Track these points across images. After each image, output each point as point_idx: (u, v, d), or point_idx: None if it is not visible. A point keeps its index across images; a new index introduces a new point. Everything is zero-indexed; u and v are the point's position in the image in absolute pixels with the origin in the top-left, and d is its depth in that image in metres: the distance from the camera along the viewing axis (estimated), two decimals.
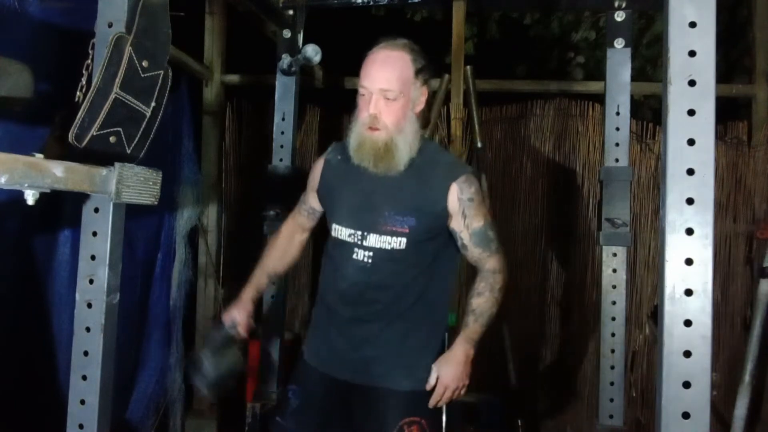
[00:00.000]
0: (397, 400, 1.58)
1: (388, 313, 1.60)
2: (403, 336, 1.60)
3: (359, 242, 1.59)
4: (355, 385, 1.63)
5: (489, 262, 1.61)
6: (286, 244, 1.86)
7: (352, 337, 1.63)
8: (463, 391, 1.58)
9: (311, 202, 1.79)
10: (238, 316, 1.73)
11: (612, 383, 2.13)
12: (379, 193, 1.58)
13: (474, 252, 1.61)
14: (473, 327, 1.58)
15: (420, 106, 1.60)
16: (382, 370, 1.60)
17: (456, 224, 1.59)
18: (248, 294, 1.79)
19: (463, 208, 1.57)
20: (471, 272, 1.69)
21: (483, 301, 1.60)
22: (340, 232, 1.63)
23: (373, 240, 1.57)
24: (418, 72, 1.56)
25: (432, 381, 1.56)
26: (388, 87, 1.51)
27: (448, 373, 1.55)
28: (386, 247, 1.56)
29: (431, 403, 1.56)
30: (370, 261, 1.58)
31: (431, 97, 1.67)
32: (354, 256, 1.60)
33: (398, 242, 1.56)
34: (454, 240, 1.62)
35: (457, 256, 1.67)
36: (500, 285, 1.61)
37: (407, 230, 1.55)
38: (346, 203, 1.64)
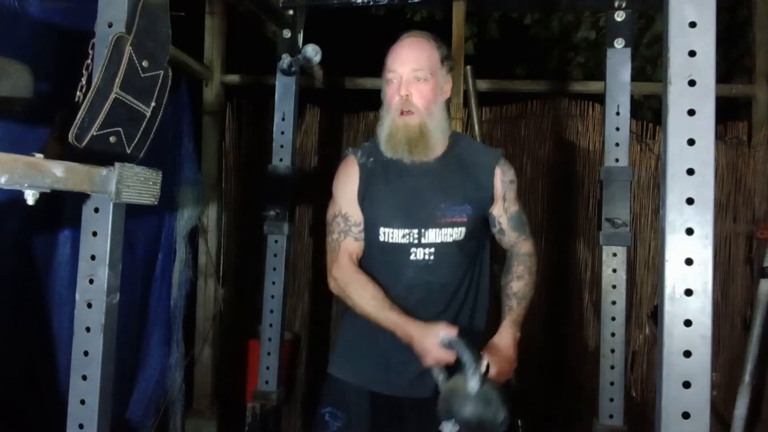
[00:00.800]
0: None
1: (449, 311, 1.58)
2: (466, 331, 1.54)
3: (416, 241, 1.55)
4: (407, 399, 1.59)
5: (524, 246, 1.65)
6: (367, 277, 1.59)
7: (397, 348, 1.52)
8: (514, 367, 1.55)
9: (360, 216, 1.60)
10: (443, 332, 1.44)
11: (612, 383, 2.13)
12: (428, 188, 1.57)
13: (512, 236, 1.64)
14: (517, 310, 1.59)
15: (447, 94, 1.61)
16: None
17: (497, 209, 1.62)
18: (412, 323, 1.49)
19: (505, 191, 1.61)
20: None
21: (523, 284, 1.62)
22: (391, 235, 1.56)
23: (433, 235, 1.55)
24: (443, 59, 1.58)
25: (482, 368, 1.44)
26: (419, 66, 1.52)
27: (500, 360, 1.47)
28: (448, 240, 1.56)
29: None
30: (432, 258, 1.56)
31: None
32: (412, 257, 1.55)
33: (459, 232, 1.56)
34: (488, 229, 1.65)
35: (489, 240, 1.70)
36: (536, 267, 1.66)
37: (465, 219, 1.56)
38: (394, 204, 1.57)
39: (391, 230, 1.56)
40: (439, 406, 1.39)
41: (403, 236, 1.55)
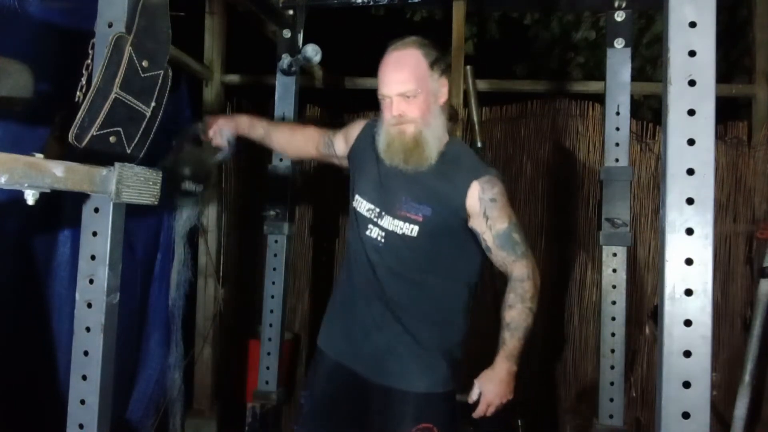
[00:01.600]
0: (410, 405, 1.57)
1: (398, 301, 1.59)
2: (415, 332, 1.58)
3: (375, 219, 1.61)
4: (369, 382, 1.62)
5: (516, 268, 1.56)
6: (297, 133, 1.96)
7: (363, 319, 1.62)
8: (505, 402, 1.57)
9: (337, 142, 1.82)
10: (220, 125, 1.85)
11: (612, 383, 2.13)
12: (400, 178, 1.59)
13: (498, 255, 1.57)
14: (511, 343, 1.54)
15: (443, 97, 1.60)
16: (396, 367, 1.58)
17: (478, 225, 1.56)
18: (243, 119, 1.91)
19: (485, 209, 1.54)
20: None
21: (516, 313, 1.54)
22: (360, 204, 1.65)
23: (387, 222, 1.58)
24: (432, 64, 1.56)
25: (474, 396, 1.54)
26: (405, 89, 1.52)
27: (491, 391, 1.53)
28: (398, 232, 1.57)
29: (475, 415, 1.55)
30: (382, 241, 1.59)
31: (452, 88, 1.68)
32: (368, 232, 1.61)
33: (410, 229, 1.56)
34: (478, 243, 1.59)
35: (482, 260, 1.64)
36: (531, 293, 1.55)
37: (421, 219, 1.55)
38: (370, 178, 1.65)
39: (362, 200, 1.65)
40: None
41: (368, 210, 1.63)
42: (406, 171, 1.57)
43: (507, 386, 1.54)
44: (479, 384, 1.54)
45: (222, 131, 1.85)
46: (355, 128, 1.77)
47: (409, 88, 1.51)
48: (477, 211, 1.55)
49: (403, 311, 1.59)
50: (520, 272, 1.56)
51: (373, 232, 1.60)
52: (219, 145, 1.84)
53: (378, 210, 1.61)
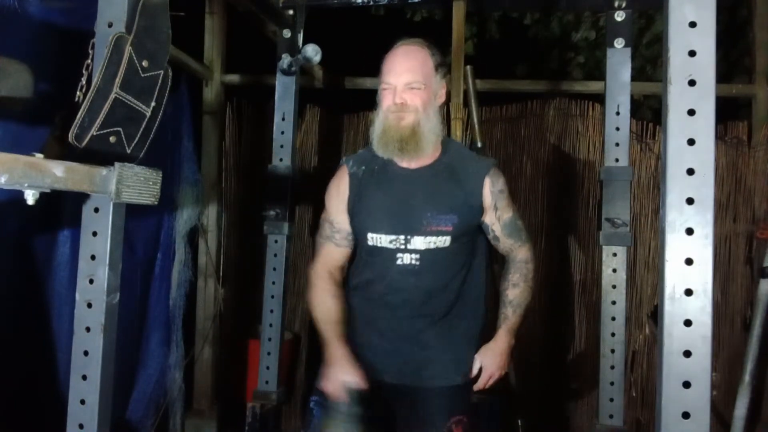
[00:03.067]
0: (444, 399, 1.61)
1: (434, 312, 1.62)
2: (447, 332, 1.63)
3: (403, 246, 1.59)
4: (398, 386, 1.63)
5: (520, 252, 1.67)
6: (335, 289, 1.67)
7: (398, 339, 1.63)
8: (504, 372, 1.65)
9: (345, 224, 1.67)
10: (351, 377, 1.52)
11: (612, 383, 2.13)
12: (416, 196, 1.59)
13: (506, 243, 1.66)
14: (513, 319, 1.64)
15: (441, 99, 1.63)
16: (429, 369, 1.61)
17: (488, 217, 1.64)
18: (341, 350, 1.57)
19: (495, 201, 1.62)
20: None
21: (519, 292, 1.65)
22: (379, 240, 1.61)
23: (419, 242, 1.58)
24: (437, 66, 1.59)
25: (475, 370, 1.62)
26: (413, 79, 1.53)
27: (492, 363, 1.62)
28: (432, 247, 1.58)
29: (476, 388, 1.63)
30: (418, 263, 1.59)
31: (448, 95, 1.70)
32: (399, 261, 1.59)
33: (443, 241, 1.58)
34: (484, 234, 1.67)
35: (488, 249, 1.72)
36: (533, 274, 1.68)
37: (451, 228, 1.57)
38: (382, 210, 1.61)
39: (378, 235, 1.61)
40: None
41: (390, 242, 1.60)
42: (418, 186, 1.59)
43: (506, 358, 1.64)
44: (480, 358, 1.63)
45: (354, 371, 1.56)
46: (341, 186, 1.67)
47: (416, 79, 1.54)
48: (489, 204, 1.62)
49: (439, 320, 1.63)
50: (524, 255, 1.68)
51: (405, 259, 1.59)
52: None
53: (403, 237, 1.58)
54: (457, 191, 1.59)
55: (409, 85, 1.53)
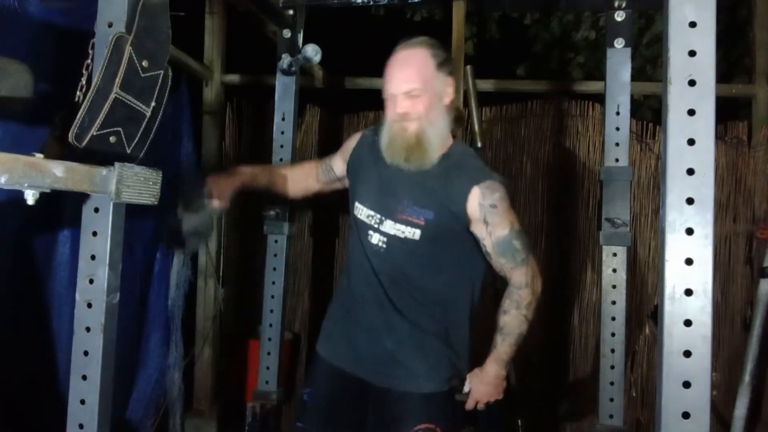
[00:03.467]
0: (413, 404, 1.57)
1: (401, 306, 1.59)
2: (420, 334, 1.59)
3: (376, 225, 1.60)
4: (371, 386, 1.63)
5: (514, 275, 1.55)
6: (295, 171, 1.97)
7: (366, 325, 1.62)
8: (494, 401, 1.64)
9: (335, 164, 1.83)
10: (223, 187, 1.77)
11: (612, 383, 2.13)
12: (402, 182, 1.58)
13: (497, 261, 1.56)
14: (501, 347, 1.57)
15: (448, 97, 1.59)
16: (401, 371, 1.59)
17: (478, 230, 1.55)
18: (244, 173, 1.86)
19: (485, 215, 1.53)
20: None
21: (509, 319, 1.55)
22: (361, 211, 1.64)
23: (389, 226, 1.58)
24: (439, 65, 1.56)
25: (465, 390, 1.61)
26: (411, 87, 1.52)
27: (479, 390, 1.60)
28: (399, 236, 1.56)
29: (466, 407, 1.62)
30: (384, 246, 1.59)
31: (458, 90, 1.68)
32: (369, 239, 1.61)
33: (412, 233, 1.55)
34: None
35: (486, 263, 1.63)
36: (528, 300, 1.55)
37: (422, 222, 1.54)
38: (370, 184, 1.65)
39: (362, 207, 1.65)
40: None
41: (368, 217, 1.62)
42: (408, 174, 1.57)
43: (494, 388, 1.60)
44: (469, 380, 1.61)
45: (227, 193, 1.80)
46: (351, 141, 1.79)
47: (414, 87, 1.52)
48: (477, 217, 1.54)
49: (406, 315, 1.59)
50: (518, 279, 1.55)
51: (374, 238, 1.60)
52: (222, 204, 1.80)
53: (379, 216, 1.60)
54: (442, 191, 1.55)
55: (408, 93, 1.52)
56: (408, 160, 1.55)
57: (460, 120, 1.73)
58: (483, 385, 1.59)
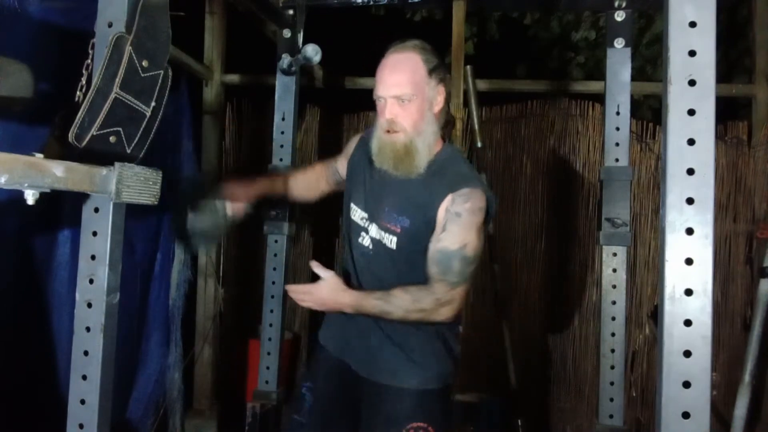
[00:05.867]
0: (404, 402, 1.56)
1: None
2: (400, 337, 1.57)
3: (366, 228, 1.60)
4: (363, 379, 1.62)
5: (437, 285, 1.46)
6: (308, 174, 1.94)
7: (356, 320, 1.60)
8: (306, 304, 1.56)
9: (340, 166, 1.83)
10: (241, 196, 1.78)
11: (612, 383, 2.13)
12: (387, 188, 1.58)
13: (430, 266, 1.47)
14: (371, 302, 1.48)
15: (438, 105, 1.56)
16: (389, 365, 1.58)
17: (435, 232, 1.49)
18: (262, 183, 1.86)
19: (446, 221, 1.46)
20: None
21: (400, 295, 1.45)
22: (355, 212, 1.65)
23: (374, 230, 1.59)
24: (431, 71, 1.53)
25: (323, 274, 1.51)
26: (401, 92, 1.49)
27: (320, 293, 1.51)
28: (382, 242, 1.56)
29: (290, 287, 1.56)
30: (371, 249, 1.59)
31: (449, 96, 1.65)
32: (360, 240, 1.62)
33: (390, 240, 1.54)
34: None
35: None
36: (427, 307, 1.45)
37: (399, 230, 1.53)
38: (362, 187, 1.65)
39: (357, 208, 1.65)
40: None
41: (361, 218, 1.63)
42: (395, 180, 1.56)
43: (328, 304, 1.52)
44: (324, 279, 1.51)
45: (245, 203, 1.79)
46: (351, 144, 1.79)
47: (405, 92, 1.49)
48: (440, 222, 1.48)
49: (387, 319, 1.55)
50: (438, 289, 1.46)
51: (365, 240, 1.60)
52: (238, 212, 1.79)
53: (368, 219, 1.61)
54: (420, 198, 1.51)
55: (398, 98, 1.50)
56: (396, 169, 1.54)
57: (449, 124, 1.71)
58: (327, 294, 1.50)
